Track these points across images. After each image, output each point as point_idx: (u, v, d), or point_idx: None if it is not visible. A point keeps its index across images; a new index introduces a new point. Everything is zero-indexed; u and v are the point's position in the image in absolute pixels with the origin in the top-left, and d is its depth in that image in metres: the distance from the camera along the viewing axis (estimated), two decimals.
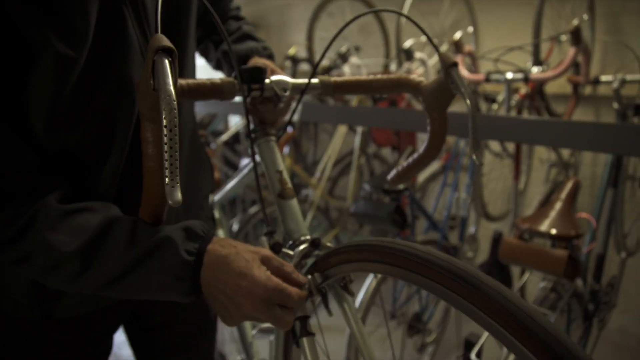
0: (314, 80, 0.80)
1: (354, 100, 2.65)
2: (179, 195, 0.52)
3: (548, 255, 1.29)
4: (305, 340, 0.69)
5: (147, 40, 0.69)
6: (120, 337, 0.92)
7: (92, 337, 0.83)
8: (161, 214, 0.65)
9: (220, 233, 1.39)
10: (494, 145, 2.38)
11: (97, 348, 0.85)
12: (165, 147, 0.51)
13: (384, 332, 2.23)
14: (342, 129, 2.78)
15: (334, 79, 0.81)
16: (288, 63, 2.83)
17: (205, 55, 1.07)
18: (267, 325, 1.01)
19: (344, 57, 2.43)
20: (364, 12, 0.77)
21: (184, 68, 0.80)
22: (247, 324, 1.25)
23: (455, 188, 2.09)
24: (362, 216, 1.80)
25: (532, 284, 1.87)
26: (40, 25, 0.55)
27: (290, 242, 0.76)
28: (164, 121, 0.51)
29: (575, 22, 1.54)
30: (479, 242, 2.32)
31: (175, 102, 0.51)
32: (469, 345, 1.42)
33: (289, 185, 0.80)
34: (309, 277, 0.69)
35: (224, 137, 2.95)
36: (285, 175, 0.81)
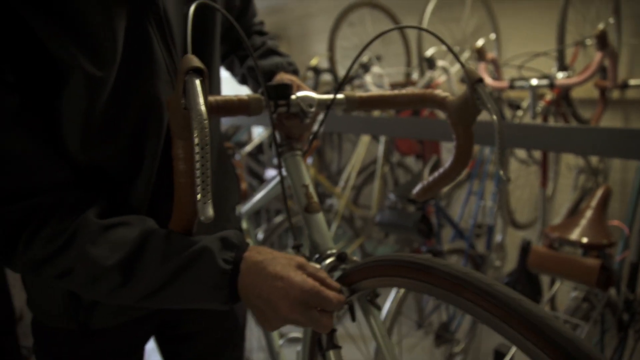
0: (339, 96, 0.81)
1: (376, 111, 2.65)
2: (210, 212, 0.53)
3: (579, 264, 1.27)
4: (332, 353, 0.69)
5: (172, 57, 0.71)
6: (150, 345, 0.94)
7: (125, 347, 0.86)
8: (191, 227, 0.66)
9: (249, 242, 1.41)
10: (520, 152, 2.35)
11: (129, 358, 0.88)
12: (197, 165, 0.53)
13: (412, 342, 2.22)
14: (365, 138, 2.78)
15: (359, 94, 0.82)
16: (310, 74, 2.85)
17: (230, 69, 1.09)
18: (294, 334, 1.01)
19: (365, 67, 2.44)
20: (386, 30, 0.77)
21: (211, 84, 0.82)
22: (275, 334, 1.26)
23: (481, 196, 2.07)
24: (388, 225, 1.80)
25: (563, 293, 1.84)
26: (69, 47, 0.58)
27: (317, 256, 0.76)
28: (196, 139, 0.52)
29: (600, 26, 1.52)
30: (506, 250, 2.28)
31: (206, 122, 0.52)
32: (498, 356, 1.40)
33: (315, 199, 0.81)
34: None
35: (248, 147, 2.98)
36: (312, 190, 0.82)
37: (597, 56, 1.55)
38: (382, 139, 2.67)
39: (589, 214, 1.37)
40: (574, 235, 1.32)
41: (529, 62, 1.74)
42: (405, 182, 2.36)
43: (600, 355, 0.42)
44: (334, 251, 0.75)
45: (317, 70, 2.78)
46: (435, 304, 2.09)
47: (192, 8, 0.59)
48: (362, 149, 2.74)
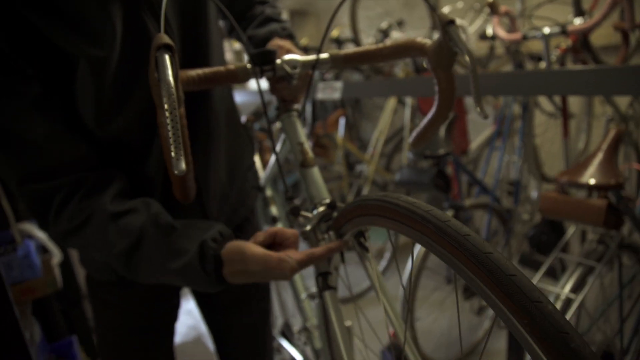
0: (324, 55, 0.84)
1: (400, 73, 2.67)
2: (182, 166, 0.58)
3: (587, 205, 1.28)
4: (327, 294, 0.76)
5: (170, 37, 0.78)
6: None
7: (160, 294, 0.99)
8: (187, 190, 0.73)
9: (273, 209, 1.50)
10: (547, 105, 2.31)
11: (166, 303, 1.01)
12: (168, 127, 0.58)
13: (441, 296, 2.27)
14: (391, 103, 2.81)
15: (343, 52, 0.85)
16: (334, 46, 2.90)
17: (240, 39, 1.17)
18: (314, 291, 1.08)
19: (385, 33, 2.46)
20: None
21: (210, 59, 0.89)
22: (300, 288, 1.36)
23: (504, 151, 2.07)
24: (407, 183, 1.85)
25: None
26: (72, 39, 0.67)
27: (312, 207, 0.82)
28: (165, 105, 0.58)
29: None
30: (535, 204, 2.28)
31: (173, 89, 0.58)
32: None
33: (310, 155, 0.86)
34: (326, 235, 0.77)
35: (278, 123, 3.07)
36: (307, 146, 0.87)
37: None
38: (408, 102, 2.69)
39: (599, 156, 1.37)
40: (583, 178, 1.33)
41: (549, 13, 1.72)
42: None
43: (514, 270, 0.42)
44: (327, 200, 0.80)
45: (339, 41, 2.82)
46: None
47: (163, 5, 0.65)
48: (388, 114, 2.78)
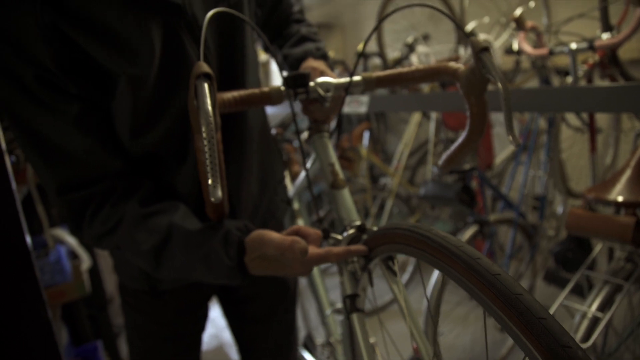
0: (356, 78, 0.86)
1: (426, 89, 2.68)
2: (219, 193, 0.61)
3: (614, 222, 1.27)
4: (355, 316, 0.77)
5: (207, 57, 0.82)
6: (221, 323, 1.10)
7: (190, 304, 1.02)
8: (221, 211, 0.77)
9: (300, 222, 1.52)
10: (573, 119, 2.29)
11: (195, 312, 1.04)
12: (206, 155, 0.61)
13: (464, 311, 2.26)
14: (416, 117, 2.82)
15: (375, 74, 0.86)
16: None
17: (274, 58, 1.20)
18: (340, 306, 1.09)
19: (411, 47, 2.48)
20: (392, 12, 0.81)
21: (246, 78, 0.91)
22: (325, 303, 1.36)
23: (529, 166, 2.06)
24: (432, 198, 1.85)
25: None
26: (113, 58, 0.70)
27: (341, 229, 0.83)
28: (204, 134, 0.60)
29: None
30: (561, 220, 2.25)
31: (212, 118, 0.61)
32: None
33: (341, 176, 0.88)
34: (355, 258, 0.78)
35: (305, 134, 3.11)
36: (337, 167, 0.89)
37: (637, 12, 1.51)
38: (433, 116, 2.69)
39: (627, 172, 1.36)
40: (611, 194, 1.32)
41: (576, 29, 1.71)
42: None
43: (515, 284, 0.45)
44: (357, 223, 0.81)
45: (364, 55, 2.85)
46: None
47: (206, 18, 0.68)
48: (413, 128, 2.78)
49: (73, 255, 2.11)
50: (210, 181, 0.60)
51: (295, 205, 1.53)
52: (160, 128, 0.80)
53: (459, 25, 0.76)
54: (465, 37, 2.37)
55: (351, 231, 0.80)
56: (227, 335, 2.46)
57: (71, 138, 0.72)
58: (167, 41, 0.75)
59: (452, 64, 0.80)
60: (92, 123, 0.74)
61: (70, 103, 0.70)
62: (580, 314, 1.29)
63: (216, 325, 2.57)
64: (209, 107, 0.61)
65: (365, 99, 1.97)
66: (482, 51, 0.69)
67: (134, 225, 0.75)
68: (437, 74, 0.83)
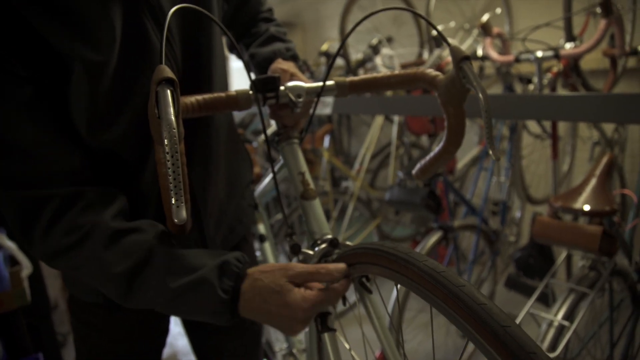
0: (329, 83, 0.81)
1: (389, 91, 2.66)
2: (183, 214, 0.54)
3: (582, 231, 1.27)
4: (326, 336, 0.72)
5: (172, 45, 0.75)
6: (175, 329, 1.01)
7: (149, 318, 0.92)
8: (184, 227, 0.69)
9: (261, 227, 1.46)
10: (534, 126, 2.33)
11: (155, 327, 0.95)
12: (169, 171, 0.54)
13: (426, 318, 2.25)
14: (378, 120, 2.79)
15: (349, 79, 0.83)
16: (322, 59, 2.87)
17: (240, 57, 1.13)
18: None
19: (375, 49, 2.45)
20: (366, 15, 0.77)
21: (212, 76, 0.84)
22: None
23: (492, 173, 2.07)
24: (397, 203, 1.82)
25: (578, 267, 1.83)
26: (69, 40, 0.62)
27: (312, 242, 0.79)
28: (166, 147, 0.54)
29: None
30: (521, 225, 2.28)
31: (175, 130, 0.54)
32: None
33: (311, 186, 0.83)
34: None
35: (264, 135, 3.03)
36: (308, 177, 0.84)
37: (602, 24, 1.53)
38: (396, 119, 2.68)
39: (592, 182, 1.37)
40: (577, 203, 1.33)
41: (538, 36, 1.72)
42: (416, 158, 2.37)
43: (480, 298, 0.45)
44: (328, 237, 0.77)
45: (328, 55, 2.80)
46: None
47: (169, 14, 0.62)
48: (376, 131, 2.76)
49: (12, 261, 1.95)
50: (173, 200, 0.54)
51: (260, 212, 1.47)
52: (120, 123, 0.72)
53: (437, 29, 0.72)
54: (430, 41, 2.36)
55: (323, 246, 0.75)
56: (181, 343, 2.35)
57: (19, 125, 0.62)
58: (129, 25, 0.68)
59: (431, 71, 0.77)
60: (45, 111, 0.65)
61: (19, 86, 0.61)
62: (547, 322, 1.28)
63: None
64: (172, 117, 0.54)
65: (329, 100, 1.93)
66: (463, 60, 0.66)
67: (105, 243, 0.65)
68: (413, 81, 0.80)
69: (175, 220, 0.54)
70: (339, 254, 0.73)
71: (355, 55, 2.76)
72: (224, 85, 0.92)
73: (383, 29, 2.99)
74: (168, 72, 0.57)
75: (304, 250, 0.78)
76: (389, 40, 2.66)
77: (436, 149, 0.80)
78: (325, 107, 1.92)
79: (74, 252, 0.65)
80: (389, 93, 2.60)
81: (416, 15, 0.74)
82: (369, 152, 2.77)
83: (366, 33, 2.83)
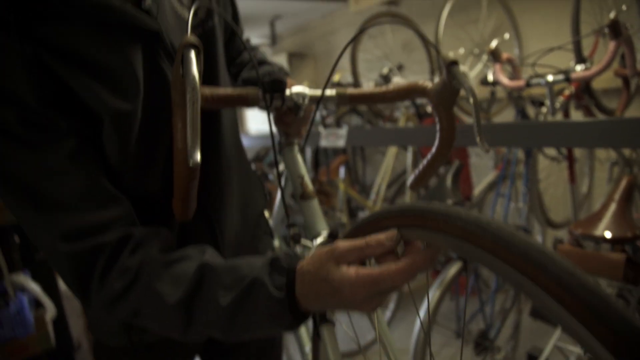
0: (331, 92, 0.85)
1: (401, 119, 2.67)
2: (198, 156, 0.56)
3: (604, 259, 1.23)
4: (325, 328, 0.73)
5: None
6: None
7: (175, 358, 0.93)
8: (188, 204, 0.67)
9: (276, 242, 1.47)
10: (550, 149, 2.29)
11: None
12: (188, 117, 0.57)
13: (451, 352, 2.19)
14: (392, 149, 2.79)
15: (349, 90, 0.87)
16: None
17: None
18: None
19: (386, 78, 2.46)
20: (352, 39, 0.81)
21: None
22: (305, 339, 1.30)
23: (510, 198, 2.03)
24: None
25: None
26: (96, 90, 0.63)
27: (311, 237, 0.82)
28: (187, 96, 0.57)
29: (612, 15, 1.49)
30: None
31: (197, 83, 0.58)
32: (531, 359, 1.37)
33: (310, 187, 0.88)
34: None
35: (282, 166, 3.05)
36: (307, 180, 0.90)
37: (611, 45, 1.52)
38: (410, 148, 2.67)
39: (612, 207, 1.34)
40: (598, 230, 1.29)
41: (548, 59, 1.71)
42: (431, 188, 2.35)
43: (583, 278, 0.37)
44: (328, 231, 0.80)
45: (340, 85, 2.83)
46: (472, 312, 2.06)
47: (192, 9, 0.67)
48: (390, 159, 2.76)
49: (36, 304, 1.97)
50: (189, 142, 0.56)
51: (276, 243, 1.47)
52: (155, 168, 0.74)
53: (437, 48, 0.77)
54: (441, 67, 2.36)
55: (322, 238, 0.79)
56: None
57: (67, 176, 0.62)
58: (149, 71, 0.69)
59: (422, 82, 0.82)
60: (91, 162, 0.65)
61: (61, 140, 0.62)
62: (575, 355, 1.24)
63: None
64: (196, 73, 0.59)
65: (343, 132, 1.94)
66: (451, 64, 0.72)
67: (156, 274, 0.64)
68: (407, 93, 0.84)
69: (190, 163, 0.56)
70: (345, 232, 0.70)
71: (367, 83, 2.78)
72: (232, 118, 0.95)
73: (393, 57, 3.01)
74: (193, 39, 0.61)
75: (304, 241, 0.82)
76: (399, 68, 2.68)
77: (428, 155, 0.84)
78: (339, 139, 1.93)
79: (129, 294, 0.64)
80: (402, 122, 2.60)
81: (423, 39, 0.79)
82: (384, 182, 2.76)
83: (376, 61, 2.85)
